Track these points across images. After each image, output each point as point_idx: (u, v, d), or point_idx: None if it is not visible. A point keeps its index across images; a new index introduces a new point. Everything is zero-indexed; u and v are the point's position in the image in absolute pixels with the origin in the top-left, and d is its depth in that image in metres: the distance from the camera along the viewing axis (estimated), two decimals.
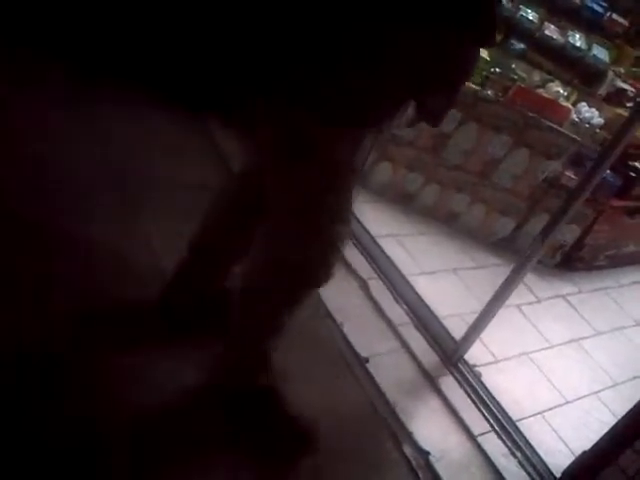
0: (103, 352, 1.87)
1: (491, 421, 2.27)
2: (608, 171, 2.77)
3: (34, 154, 2.47)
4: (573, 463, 1.94)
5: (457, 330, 2.51)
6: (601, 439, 1.87)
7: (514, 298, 2.94)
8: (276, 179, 1.67)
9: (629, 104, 3.29)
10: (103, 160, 2.66)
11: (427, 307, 2.61)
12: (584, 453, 1.92)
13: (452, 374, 2.41)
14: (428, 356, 2.45)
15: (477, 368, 2.47)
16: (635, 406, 1.81)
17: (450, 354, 2.45)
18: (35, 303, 1.92)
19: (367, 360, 2.31)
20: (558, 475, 2.05)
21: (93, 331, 1.92)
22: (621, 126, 2.13)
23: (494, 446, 2.19)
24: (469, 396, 2.34)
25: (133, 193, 2.57)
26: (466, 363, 2.45)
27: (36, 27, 2.95)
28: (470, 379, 2.39)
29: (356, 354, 2.32)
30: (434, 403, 2.27)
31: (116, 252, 2.25)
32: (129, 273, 2.18)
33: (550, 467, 2.15)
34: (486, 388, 2.38)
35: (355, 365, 2.28)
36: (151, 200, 2.57)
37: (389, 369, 2.34)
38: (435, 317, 2.56)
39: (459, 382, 2.38)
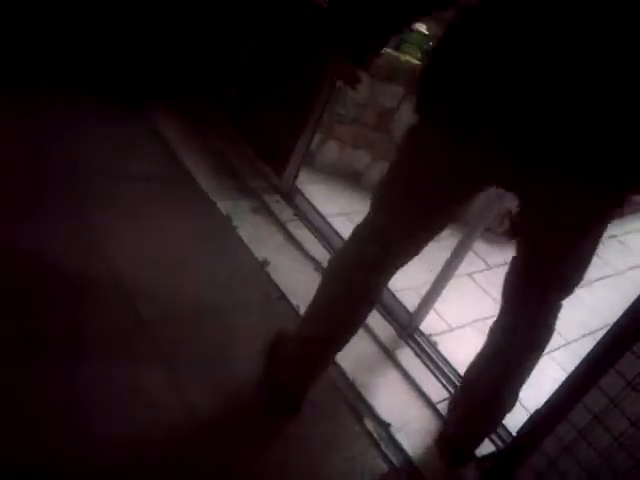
0: None
1: (449, 388, 2.31)
2: None
3: None
4: (528, 421, 1.99)
5: (412, 303, 2.55)
6: (552, 396, 1.92)
7: (465, 267, 3.01)
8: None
9: None
10: (44, 155, 2.61)
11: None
12: (537, 411, 1.97)
13: (409, 345, 2.44)
14: (384, 330, 2.47)
15: (433, 337, 2.52)
16: (580, 363, 1.86)
17: (405, 326, 2.49)
18: None
19: None
20: (515, 434, 2.10)
21: None
22: None
23: None
24: (426, 366, 2.38)
25: (75, 189, 2.52)
26: (422, 334, 2.49)
27: None
28: (426, 348, 2.43)
29: None
30: (393, 375, 2.30)
31: (65, 253, 2.22)
32: (81, 278, 2.15)
33: (508, 427, 2.20)
34: (443, 356, 2.42)
35: None
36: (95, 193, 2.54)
37: (347, 346, 2.36)
38: (389, 291, 2.59)
39: (416, 352, 2.42)
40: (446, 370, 2.37)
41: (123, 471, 1.66)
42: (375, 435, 2.04)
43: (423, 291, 2.57)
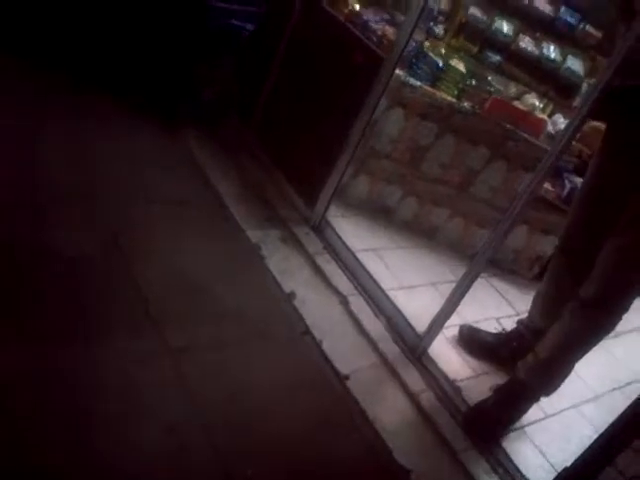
0: None
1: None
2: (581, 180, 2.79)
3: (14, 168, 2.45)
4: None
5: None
6: (582, 455, 1.85)
7: (493, 311, 2.98)
8: None
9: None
10: (81, 173, 2.63)
11: (407, 322, 2.59)
12: (566, 469, 1.91)
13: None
14: (408, 372, 2.43)
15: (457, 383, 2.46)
16: (614, 422, 1.79)
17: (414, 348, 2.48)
18: None
19: (347, 377, 2.29)
20: None
21: None
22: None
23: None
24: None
25: (110, 208, 2.54)
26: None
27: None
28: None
29: (336, 371, 2.30)
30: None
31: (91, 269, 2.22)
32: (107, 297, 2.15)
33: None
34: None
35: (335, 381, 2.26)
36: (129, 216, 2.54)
37: (369, 386, 2.32)
38: (415, 332, 2.54)
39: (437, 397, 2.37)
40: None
41: None
42: None
43: (448, 333, 2.58)
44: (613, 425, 1.82)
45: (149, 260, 2.38)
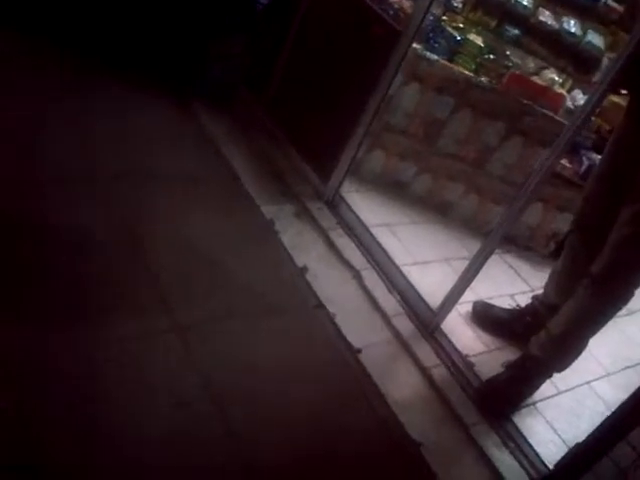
0: None
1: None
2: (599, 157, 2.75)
3: (23, 145, 2.45)
4: (567, 455, 1.93)
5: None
6: (595, 431, 1.86)
7: (508, 287, 2.97)
8: None
9: (624, 92, 3.25)
10: (95, 150, 2.64)
11: (420, 297, 2.59)
12: (578, 445, 1.91)
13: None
14: (420, 347, 2.43)
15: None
16: (628, 399, 1.79)
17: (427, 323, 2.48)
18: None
19: (359, 351, 2.30)
20: (551, 467, 2.05)
21: None
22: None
23: None
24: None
25: (121, 183, 2.54)
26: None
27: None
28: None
29: (349, 344, 2.31)
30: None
31: (102, 244, 2.24)
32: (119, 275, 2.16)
33: (543, 459, 2.15)
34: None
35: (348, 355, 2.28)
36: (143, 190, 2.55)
37: (382, 360, 2.33)
38: (428, 307, 2.54)
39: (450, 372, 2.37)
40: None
41: None
42: None
43: (462, 309, 2.58)
44: (626, 402, 1.82)
45: (161, 235, 2.39)
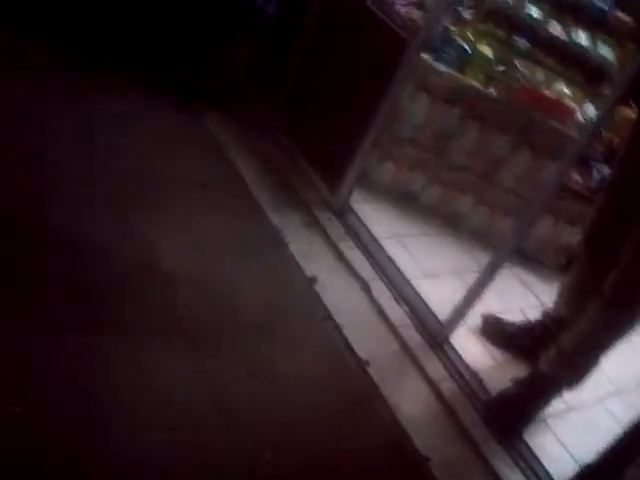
0: None
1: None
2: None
3: (33, 148, 2.45)
4: (576, 476, 1.89)
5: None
6: (605, 451, 1.82)
7: (517, 300, 2.94)
8: None
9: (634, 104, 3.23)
10: (100, 154, 2.63)
11: (429, 310, 2.56)
12: (588, 466, 1.87)
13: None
14: (429, 360, 2.40)
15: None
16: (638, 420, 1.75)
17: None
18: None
19: (367, 363, 2.27)
20: None
21: None
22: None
23: None
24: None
25: (132, 188, 2.53)
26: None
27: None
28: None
29: (357, 356, 2.28)
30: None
31: (114, 251, 2.23)
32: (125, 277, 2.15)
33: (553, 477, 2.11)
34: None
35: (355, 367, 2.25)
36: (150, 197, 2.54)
37: (390, 372, 2.30)
38: (437, 320, 2.51)
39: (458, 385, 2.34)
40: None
41: None
42: None
43: (472, 322, 2.54)
44: (637, 423, 1.78)
45: (169, 242, 2.37)
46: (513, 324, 2.65)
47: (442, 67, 2.94)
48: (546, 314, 2.58)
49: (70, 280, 2.04)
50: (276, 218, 2.75)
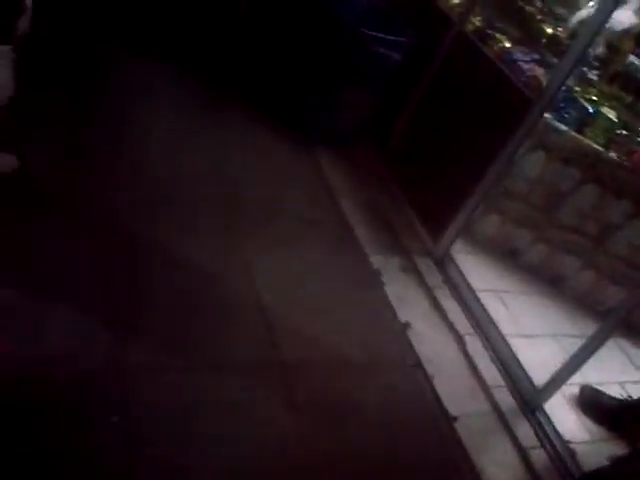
0: None
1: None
2: None
3: (156, 170, 2.63)
4: None
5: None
6: None
7: (618, 375, 2.80)
8: None
9: None
10: (214, 180, 2.78)
11: (524, 372, 2.49)
12: None
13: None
14: (520, 425, 2.33)
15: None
16: None
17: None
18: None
19: (455, 419, 2.23)
20: None
21: None
22: None
23: None
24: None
25: (240, 216, 2.65)
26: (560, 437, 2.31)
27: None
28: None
29: (444, 411, 2.25)
30: None
31: (214, 278, 2.32)
32: (227, 307, 2.23)
33: None
34: None
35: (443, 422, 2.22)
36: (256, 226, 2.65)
37: (477, 432, 2.25)
38: (532, 384, 2.43)
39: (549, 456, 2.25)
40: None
41: None
42: None
43: (567, 391, 2.44)
44: None
45: (269, 272, 2.45)
46: (613, 399, 2.53)
47: (562, 126, 2.89)
48: None
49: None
50: (376, 260, 2.79)
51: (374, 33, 3.06)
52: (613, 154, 2.91)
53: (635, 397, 2.53)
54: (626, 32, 3.12)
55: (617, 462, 2.18)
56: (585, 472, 2.19)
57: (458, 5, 3.21)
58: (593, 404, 2.49)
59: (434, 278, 2.85)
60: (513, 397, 2.41)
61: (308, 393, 2.07)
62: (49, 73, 2.82)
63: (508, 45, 3.09)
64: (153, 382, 1.85)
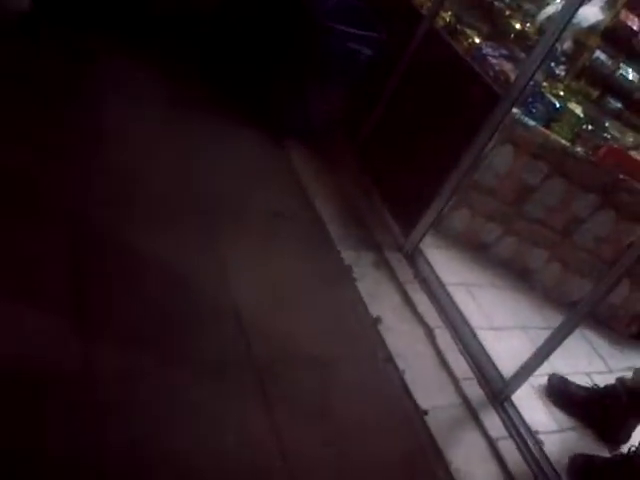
0: None
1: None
2: None
3: (124, 166, 2.59)
4: None
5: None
6: None
7: (584, 365, 2.86)
8: None
9: None
10: (185, 177, 2.75)
11: (493, 364, 2.52)
12: None
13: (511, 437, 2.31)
14: (489, 416, 2.36)
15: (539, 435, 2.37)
16: None
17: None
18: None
19: (426, 412, 2.25)
20: None
21: None
22: None
23: None
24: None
25: (210, 213, 2.63)
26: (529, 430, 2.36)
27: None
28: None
29: (415, 404, 2.27)
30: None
31: (187, 275, 2.30)
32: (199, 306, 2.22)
33: None
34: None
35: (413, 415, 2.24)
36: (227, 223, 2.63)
37: (448, 425, 2.28)
38: (500, 376, 2.47)
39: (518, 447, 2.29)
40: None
41: None
42: None
43: (535, 382, 2.51)
44: None
45: (240, 269, 2.43)
46: (581, 388, 2.57)
47: (530, 121, 2.93)
48: (622, 383, 2.48)
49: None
50: (347, 255, 2.79)
51: (345, 28, 3.07)
52: (579, 149, 2.96)
53: (602, 386, 2.58)
54: (592, 28, 3.18)
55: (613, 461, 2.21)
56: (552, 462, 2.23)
57: (428, 0, 3.23)
58: (561, 393, 2.54)
59: (405, 273, 2.86)
60: (482, 389, 2.44)
61: (280, 391, 2.07)
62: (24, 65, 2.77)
63: (477, 40, 3.12)
64: (123, 382, 1.83)
